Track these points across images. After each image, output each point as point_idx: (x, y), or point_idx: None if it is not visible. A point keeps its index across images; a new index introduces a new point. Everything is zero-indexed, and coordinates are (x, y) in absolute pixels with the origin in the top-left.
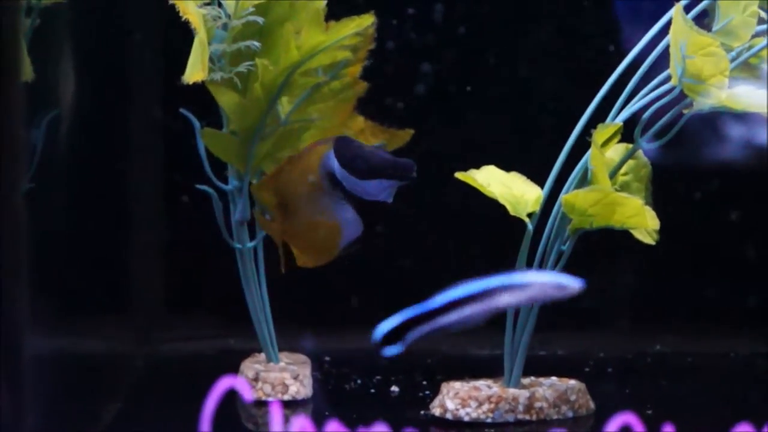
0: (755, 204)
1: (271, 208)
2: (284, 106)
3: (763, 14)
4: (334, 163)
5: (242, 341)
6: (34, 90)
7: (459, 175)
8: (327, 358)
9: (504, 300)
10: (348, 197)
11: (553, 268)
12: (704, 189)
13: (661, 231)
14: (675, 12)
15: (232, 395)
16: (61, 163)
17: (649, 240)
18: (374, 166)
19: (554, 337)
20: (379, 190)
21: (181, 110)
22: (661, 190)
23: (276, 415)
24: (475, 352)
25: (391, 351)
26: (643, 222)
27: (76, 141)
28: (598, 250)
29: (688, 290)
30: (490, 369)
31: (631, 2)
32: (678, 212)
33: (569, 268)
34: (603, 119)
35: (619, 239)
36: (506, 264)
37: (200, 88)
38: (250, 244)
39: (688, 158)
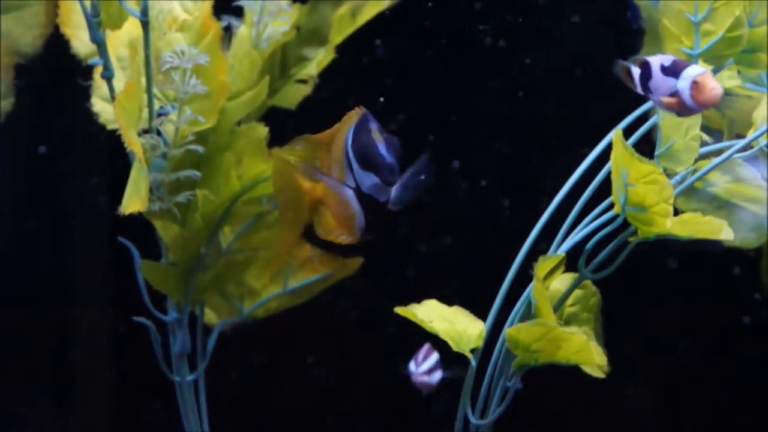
0: None
1: (322, 165)
2: (226, 235)
3: (705, 137)
4: (349, 140)
5: None
6: None
7: (399, 309)
8: None
9: None
10: (356, 184)
11: (498, 406)
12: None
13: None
14: (615, 138)
15: None
16: None
17: (598, 373)
18: (366, 157)
19: None
20: (371, 185)
21: (120, 239)
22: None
23: None
24: None
25: None
26: (588, 358)
27: None
28: None
29: None
30: None
31: None
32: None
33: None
34: (546, 249)
35: None
36: None
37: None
38: (191, 377)
39: None
